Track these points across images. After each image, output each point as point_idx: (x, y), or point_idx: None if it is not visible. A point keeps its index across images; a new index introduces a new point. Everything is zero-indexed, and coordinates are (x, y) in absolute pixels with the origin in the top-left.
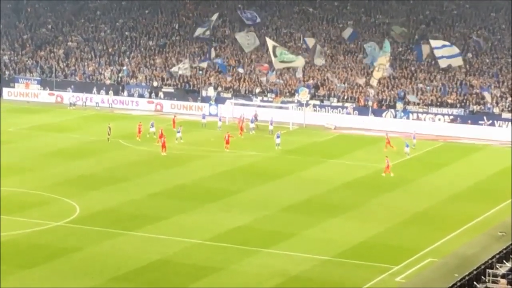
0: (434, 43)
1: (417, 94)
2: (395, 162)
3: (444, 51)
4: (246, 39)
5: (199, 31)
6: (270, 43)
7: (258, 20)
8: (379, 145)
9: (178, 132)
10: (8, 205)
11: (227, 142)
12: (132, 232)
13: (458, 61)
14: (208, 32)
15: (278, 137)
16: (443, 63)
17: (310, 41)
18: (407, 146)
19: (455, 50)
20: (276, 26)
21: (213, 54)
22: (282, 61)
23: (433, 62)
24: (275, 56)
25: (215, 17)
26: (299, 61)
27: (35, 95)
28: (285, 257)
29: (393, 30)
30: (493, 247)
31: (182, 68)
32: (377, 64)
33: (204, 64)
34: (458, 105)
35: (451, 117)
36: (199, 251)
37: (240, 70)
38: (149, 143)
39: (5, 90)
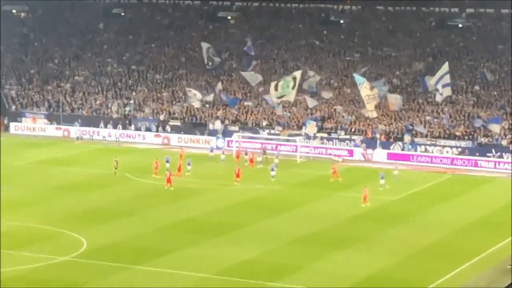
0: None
1: (424, 126)
2: (401, 196)
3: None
4: (250, 76)
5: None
6: (273, 83)
7: (253, 53)
8: (386, 178)
9: (189, 164)
10: (15, 240)
11: (237, 176)
12: (139, 266)
13: (447, 91)
14: (212, 65)
15: (272, 169)
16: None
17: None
18: (382, 178)
19: (448, 79)
20: (283, 59)
21: (219, 87)
22: (279, 96)
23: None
24: (276, 90)
25: (205, 46)
26: (292, 95)
27: (42, 129)
28: None
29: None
30: (502, 281)
31: (194, 98)
32: (364, 97)
33: (210, 97)
34: (466, 137)
35: (459, 149)
36: (207, 285)
37: (248, 103)
38: (159, 177)
39: (12, 124)
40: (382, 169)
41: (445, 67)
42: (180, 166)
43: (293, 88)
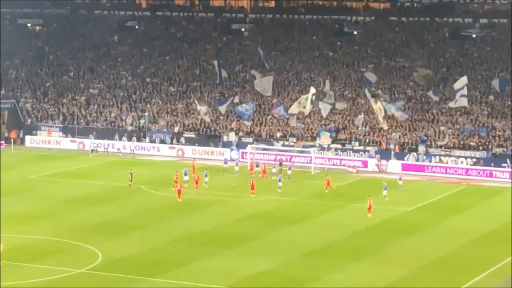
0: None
1: (439, 137)
2: (415, 207)
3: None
4: (260, 85)
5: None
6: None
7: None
8: (401, 189)
9: (206, 176)
10: (30, 253)
11: (252, 188)
12: (154, 278)
13: (464, 102)
14: (222, 80)
15: (280, 180)
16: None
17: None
18: (385, 188)
19: (465, 91)
20: (296, 70)
21: (236, 99)
22: (301, 107)
23: (455, 107)
24: (298, 102)
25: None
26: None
27: (57, 142)
28: None
29: (417, 71)
30: None
31: (202, 113)
32: (376, 108)
33: (223, 109)
34: (481, 148)
35: (474, 159)
36: None
37: (261, 116)
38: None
39: (27, 137)
40: (386, 179)
41: (464, 79)
42: (198, 178)
43: (311, 102)
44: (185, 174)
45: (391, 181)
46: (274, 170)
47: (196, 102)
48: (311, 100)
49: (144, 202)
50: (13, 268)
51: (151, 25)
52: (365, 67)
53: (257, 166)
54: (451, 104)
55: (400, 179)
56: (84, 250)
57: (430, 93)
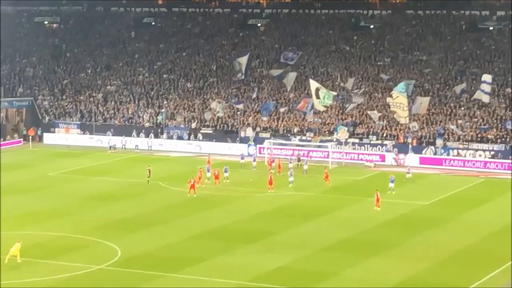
0: (485, 77)
1: (456, 127)
2: (433, 200)
3: (485, 86)
4: (286, 78)
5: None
6: (313, 85)
7: (295, 60)
8: (419, 183)
9: (226, 171)
10: (49, 249)
11: (270, 183)
12: (173, 274)
13: (487, 98)
14: (241, 75)
15: (291, 175)
16: (478, 95)
17: (349, 80)
18: (392, 181)
19: (489, 88)
20: (313, 65)
21: (254, 95)
22: (324, 105)
23: (471, 98)
24: (317, 98)
25: (244, 60)
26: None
27: (75, 140)
28: None
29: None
30: None
31: (215, 108)
32: (399, 103)
33: (241, 105)
34: (499, 141)
35: (492, 152)
36: None
37: (282, 109)
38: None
39: (45, 135)
40: (393, 172)
41: (488, 77)
42: (219, 173)
43: (332, 98)
44: (208, 171)
45: (400, 174)
46: (290, 165)
47: (212, 100)
48: (332, 95)
49: (162, 198)
50: (33, 265)
51: (168, 21)
52: (382, 61)
53: (273, 161)
54: (477, 95)
55: (408, 172)
56: (103, 246)
57: (456, 87)
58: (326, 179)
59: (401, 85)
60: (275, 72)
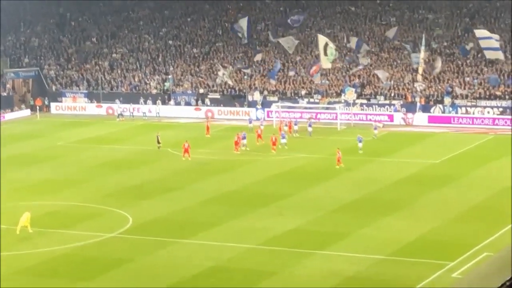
0: (479, 33)
1: (464, 88)
2: (443, 159)
3: (488, 43)
4: (286, 42)
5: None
6: (322, 40)
7: (301, 22)
8: (428, 141)
9: (244, 138)
10: (61, 219)
11: (274, 144)
12: (185, 240)
13: (498, 55)
14: (244, 39)
15: (283, 137)
16: (488, 54)
17: (353, 40)
18: (360, 141)
19: (495, 43)
20: (319, 27)
21: (259, 58)
22: (331, 62)
23: (479, 55)
24: (325, 54)
25: (244, 23)
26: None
27: (82, 108)
28: (339, 258)
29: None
30: None
31: (222, 76)
32: (420, 60)
33: (248, 69)
34: (507, 97)
35: (500, 109)
36: (253, 256)
37: (291, 73)
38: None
39: (53, 104)
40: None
41: (483, 32)
42: (239, 139)
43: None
44: (244, 138)
45: (409, 133)
46: (296, 128)
47: (219, 66)
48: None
49: (172, 164)
50: (45, 235)
51: None
52: (387, 21)
53: (286, 125)
54: (488, 55)
55: (375, 128)
56: (114, 214)
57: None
58: (338, 162)
59: (424, 41)
60: (283, 41)
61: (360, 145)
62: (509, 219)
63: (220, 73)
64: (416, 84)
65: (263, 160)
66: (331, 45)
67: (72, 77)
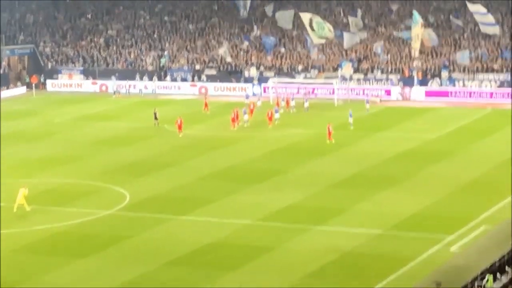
0: (472, 7)
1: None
2: (441, 133)
3: (482, 18)
4: (283, 18)
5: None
6: (305, 16)
7: None
8: (426, 116)
9: (244, 113)
10: (58, 196)
11: (270, 119)
12: (183, 216)
13: (495, 30)
14: (245, 13)
15: (276, 112)
16: (483, 29)
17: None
18: (351, 116)
19: (491, 18)
20: (315, 2)
21: (256, 32)
22: (321, 37)
23: (476, 29)
24: (312, 29)
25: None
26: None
27: (78, 85)
28: (337, 233)
29: None
30: None
31: (224, 53)
32: (414, 35)
33: (245, 45)
34: (504, 70)
35: (498, 82)
36: (250, 232)
37: (282, 49)
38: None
39: (48, 81)
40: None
41: (479, 7)
42: (237, 116)
43: (329, 30)
44: (245, 113)
45: (406, 108)
46: (293, 103)
47: (216, 43)
48: (328, 28)
49: (169, 141)
50: (42, 212)
51: None
52: None
53: (283, 100)
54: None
55: (367, 102)
56: (111, 191)
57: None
58: (329, 137)
59: (415, 15)
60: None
61: (350, 120)
62: (508, 192)
63: (221, 51)
64: (414, 61)
65: (260, 136)
66: (317, 19)
67: (67, 54)
